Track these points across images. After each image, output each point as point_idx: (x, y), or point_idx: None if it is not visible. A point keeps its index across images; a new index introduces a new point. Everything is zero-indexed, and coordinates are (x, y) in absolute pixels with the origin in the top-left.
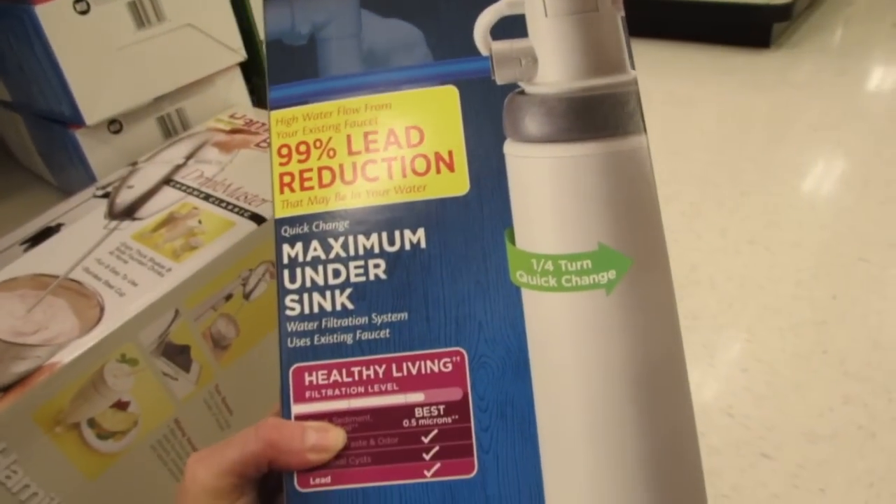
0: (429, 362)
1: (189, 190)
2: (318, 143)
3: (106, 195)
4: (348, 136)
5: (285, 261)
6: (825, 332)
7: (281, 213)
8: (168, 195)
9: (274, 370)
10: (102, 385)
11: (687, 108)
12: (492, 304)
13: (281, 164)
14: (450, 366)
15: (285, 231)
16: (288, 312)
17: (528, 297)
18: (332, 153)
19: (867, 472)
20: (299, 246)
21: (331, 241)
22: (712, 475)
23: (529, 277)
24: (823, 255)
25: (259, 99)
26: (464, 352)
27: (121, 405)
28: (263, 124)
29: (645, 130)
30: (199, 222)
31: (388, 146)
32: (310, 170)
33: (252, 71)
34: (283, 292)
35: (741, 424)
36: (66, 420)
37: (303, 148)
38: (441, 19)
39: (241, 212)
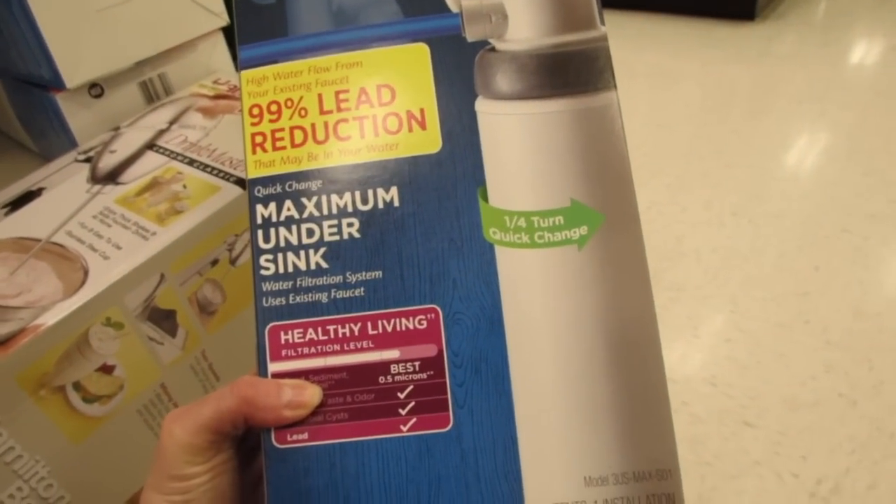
0: (403, 320)
1: (173, 155)
2: (289, 103)
3: (88, 160)
4: (319, 95)
5: (259, 221)
6: (808, 303)
7: (254, 174)
8: (151, 160)
9: None
10: (87, 348)
11: (672, 81)
12: (465, 261)
13: (252, 125)
14: (424, 323)
15: (258, 191)
16: (262, 272)
17: (501, 253)
18: (303, 112)
19: (848, 439)
20: (273, 206)
21: (304, 200)
22: (695, 443)
23: (502, 234)
24: (807, 226)
25: None
26: (438, 309)
27: (106, 369)
28: None
29: (615, 86)
30: (184, 187)
31: (360, 105)
32: (281, 129)
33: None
34: (257, 252)
35: (724, 393)
36: (50, 383)
37: (274, 108)
38: None
39: (226, 176)
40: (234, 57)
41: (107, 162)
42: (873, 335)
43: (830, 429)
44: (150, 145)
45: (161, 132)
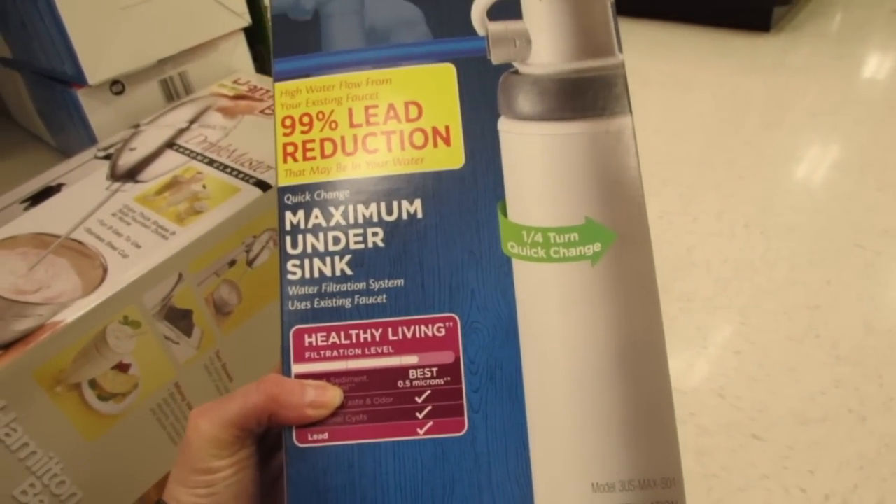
0: (423, 327)
1: (193, 154)
2: (320, 116)
3: (107, 157)
4: (350, 110)
5: (287, 227)
6: (818, 317)
7: (284, 182)
8: (171, 159)
9: (275, 339)
10: (104, 346)
11: (686, 91)
12: (484, 272)
13: (284, 135)
14: (443, 331)
15: (288, 199)
16: (289, 277)
17: (518, 266)
18: (334, 125)
19: (857, 456)
20: (301, 213)
21: (331, 209)
22: (703, 455)
23: (520, 248)
24: (818, 240)
25: (262, 66)
26: (456, 318)
27: (122, 367)
28: (268, 91)
29: (631, 112)
30: (204, 187)
31: (388, 120)
32: (312, 141)
33: (255, 37)
34: (284, 257)
35: (732, 406)
36: (67, 380)
37: (306, 119)
38: (440, 0)
39: (246, 178)
40: (255, 58)
41: (126, 159)
42: (884, 351)
43: (839, 444)
44: (170, 144)
45: (181, 131)
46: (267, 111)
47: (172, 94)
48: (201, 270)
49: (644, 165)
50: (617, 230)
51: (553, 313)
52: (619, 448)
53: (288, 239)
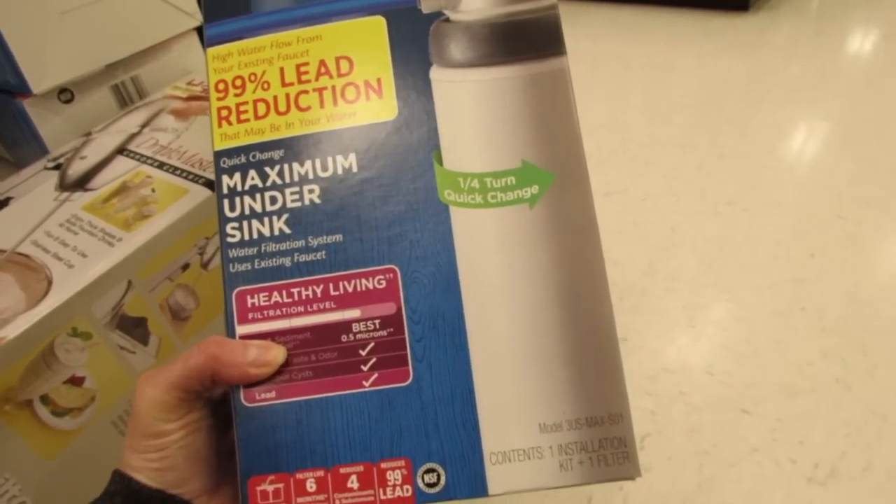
0: (364, 280)
1: (143, 158)
2: (252, 77)
3: (57, 167)
4: (281, 69)
5: (225, 191)
6: (803, 290)
7: (219, 146)
8: (121, 164)
9: None
10: (54, 360)
11: (667, 73)
12: (422, 222)
13: (218, 99)
14: (384, 283)
15: (224, 162)
16: (229, 239)
17: (456, 214)
18: (266, 86)
19: (844, 424)
20: (237, 176)
21: (267, 169)
22: (693, 433)
23: (457, 195)
24: (801, 214)
25: None
26: (396, 269)
27: (75, 380)
28: None
29: (565, 52)
30: (153, 191)
31: (320, 76)
32: (245, 103)
33: None
34: (223, 220)
35: (721, 382)
36: (16, 398)
37: (238, 82)
38: None
39: (195, 178)
40: None
41: (77, 168)
42: (867, 320)
43: (827, 414)
44: (121, 150)
45: (133, 136)
46: None
47: (125, 99)
48: (152, 276)
49: (626, 148)
50: (554, 171)
51: (493, 258)
52: (564, 387)
53: (226, 202)
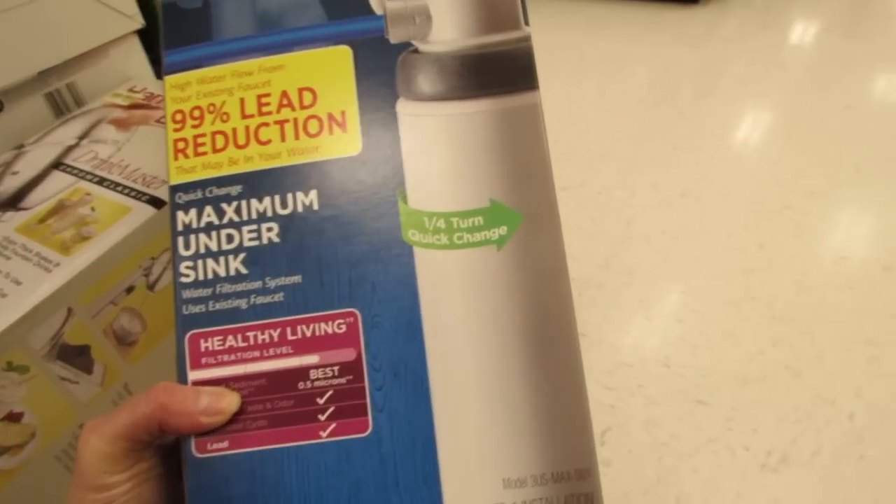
0: (323, 324)
1: (81, 174)
2: (211, 108)
3: None
4: (241, 100)
5: (180, 228)
6: (754, 280)
7: (175, 180)
8: (58, 180)
9: None
10: None
11: (620, 65)
12: (385, 264)
13: (175, 130)
14: (343, 327)
15: (179, 198)
16: (182, 279)
17: (420, 255)
18: (225, 117)
19: (794, 409)
20: (193, 212)
21: (224, 206)
22: (651, 425)
23: (422, 236)
24: (751, 204)
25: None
26: (357, 312)
27: (13, 417)
28: None
29: (537, 87)
30: (92, 209)
31: (281, 108)
32: (203, 135)
33: (154, 40)
34: (177, 259)
35: (677, 374)
36: None
37: (196, 113)
38: None
39: (138, 195)
40: (153, 61)
41: (8, 185)
42: (814, 308)
43: (778, 401)
44: (57, 164)
45: (69, 148)
46: (163, 119)
47: (61, 108)
48: (94, 301)
49: (582, 142)
50: (524, 212)
51: (458, 303)
52: (530, 441)
53: (180, 240)
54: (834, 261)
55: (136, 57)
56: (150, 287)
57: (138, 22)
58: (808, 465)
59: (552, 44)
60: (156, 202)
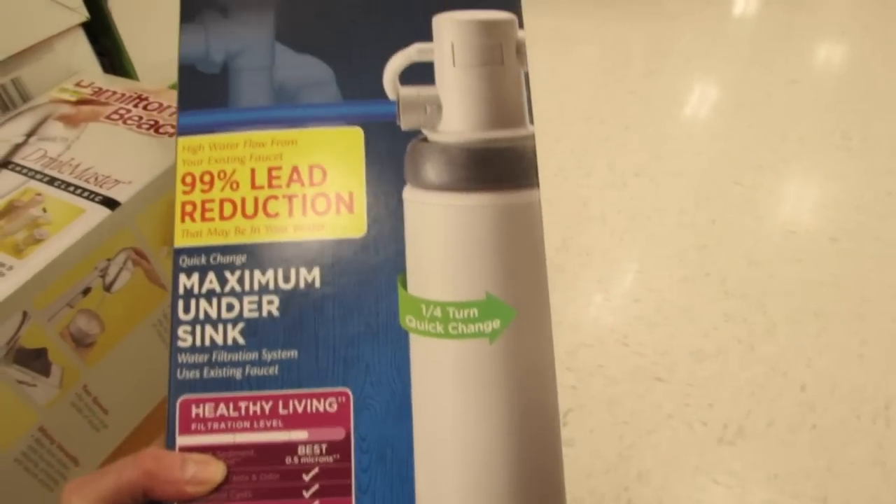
0: (315, 401)
1: (31, 173)
2: (222, 175)
3: None
4: (252, 170)
5: (181, 291)
6: (707, 256)
7: (180, 243)
8: (6, 180)
9: (149, 362)
10: None
11: (570, 44)
12: (380, 346)
13: (184, 193)
14: (335, 406)
15: (183, 261)
16: (180, 343)
17: (415, 342)
18: (235, 185)
19: (748, 383)
20: (196, 277)
21: (227, 274)
22: (612, 405)
23: (418, 323)
24: (702, 181)
25: (111, 63)
26: (349, 392)
27: None
28: (115, 93)
29: (538, 185)
30: (44, 210)
31: (291, 183)
32: (212, 201)
33: (99, 31)
34: (176, 322)
35: (636, 352)
36: None
37: (207, 178)
38: (353, 60)
39: (91, 196)
40: (99, 53)
41: None
42: (765, 281)
43: (732, 375)
44: (5, 163)
45: (17, 147)
46: (113, 116)
47: (6, 103)
48: (50, 304)
49: (537, 123)
50: (517, 307)
51: (448, 392)
52: None
53: (180, 303)
54: (783, 234)
55: (81, 50)
56: (107, 288)
57: (83, 14)
58: (763, 436)
59: None
60: (109, 203)
